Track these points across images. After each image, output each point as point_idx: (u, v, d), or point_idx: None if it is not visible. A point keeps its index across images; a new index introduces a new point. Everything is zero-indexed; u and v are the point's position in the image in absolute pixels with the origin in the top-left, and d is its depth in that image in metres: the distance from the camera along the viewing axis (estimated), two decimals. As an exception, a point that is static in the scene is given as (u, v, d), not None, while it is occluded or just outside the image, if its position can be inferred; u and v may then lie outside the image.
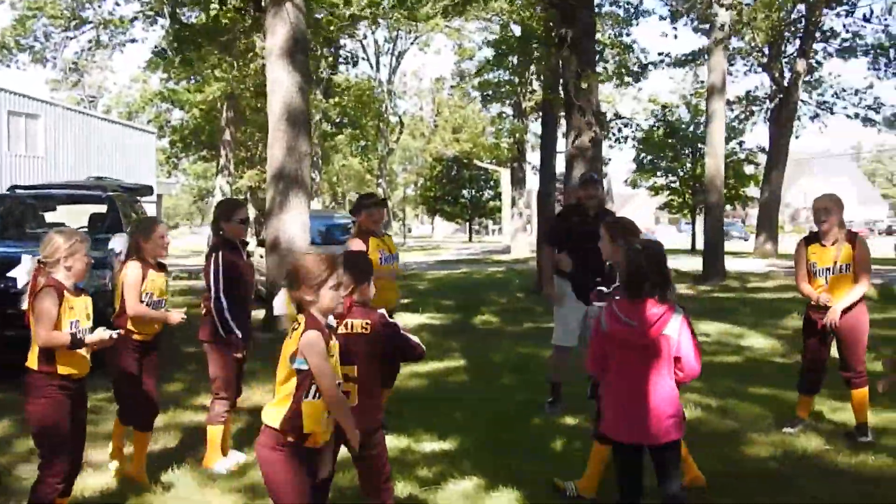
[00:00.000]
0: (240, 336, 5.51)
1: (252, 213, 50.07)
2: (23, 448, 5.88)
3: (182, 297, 16.95)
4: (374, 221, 6.56)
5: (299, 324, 3.35)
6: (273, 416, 3.38)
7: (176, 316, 5.37)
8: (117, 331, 4.49)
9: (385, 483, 3.99)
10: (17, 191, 11.90)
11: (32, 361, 4.20)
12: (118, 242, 5.58)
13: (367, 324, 3.86)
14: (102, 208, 10.88)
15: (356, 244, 6.32)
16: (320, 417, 3.38)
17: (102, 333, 4.28)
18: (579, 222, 7.03)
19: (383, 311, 3.99)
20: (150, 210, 15.04)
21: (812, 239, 6.20)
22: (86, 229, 10.82)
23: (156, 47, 25.79)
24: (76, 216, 11.56)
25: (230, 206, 5.94)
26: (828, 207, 6.01)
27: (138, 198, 12.89)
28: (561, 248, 7.06)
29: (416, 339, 4.01)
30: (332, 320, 3.79)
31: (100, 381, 8.01)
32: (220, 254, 5.53)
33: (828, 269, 6.03)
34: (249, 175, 36.82)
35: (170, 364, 9.33)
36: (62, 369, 4.19)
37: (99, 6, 24.47)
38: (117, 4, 24.47)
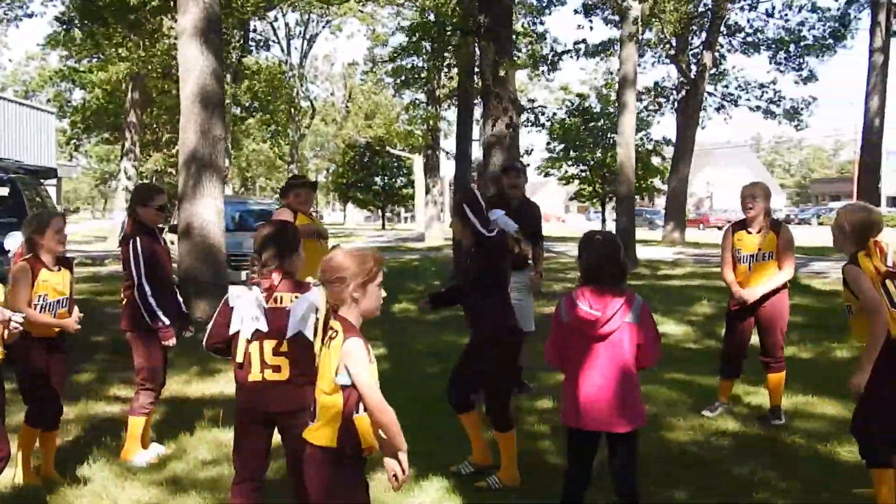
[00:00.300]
0: (167, 323, 5.32)
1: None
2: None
3: (87, 284, 16.41)
4: (301, 202, 6.42)
5: (336, 331, 3.07)
6: (325, 436, 3.11)
7: (72, 324, 5.04)
8: (20, 313, 4.16)
9: None
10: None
11: None
12: (11, 242, 5.10)
13: (297, 297, 3.70)
14: (4, 191, 10.41)
15: (284, 214, 6.20)
16: (375, 430, 3.13)
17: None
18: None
19: (316, 284, 3.75)
20: (52, 193, 14.45)
21: (739, 226, 6.36)
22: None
23: (58, 18, 24.76)
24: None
25: (148, 192, 5.66)
26: (755, 195, 6.18)
27: (41, 180, 12.38)
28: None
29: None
30: (260, 294, 3.70)
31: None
32: (139, 240, 5.32)
33: (752, 256, 6.22)
34: (156, 158, 35.81)
35: (79, 354, 9.02)
36: None
37: (-5, -21, 23.37)
38: (15, -22, 23.24)
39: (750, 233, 6.23)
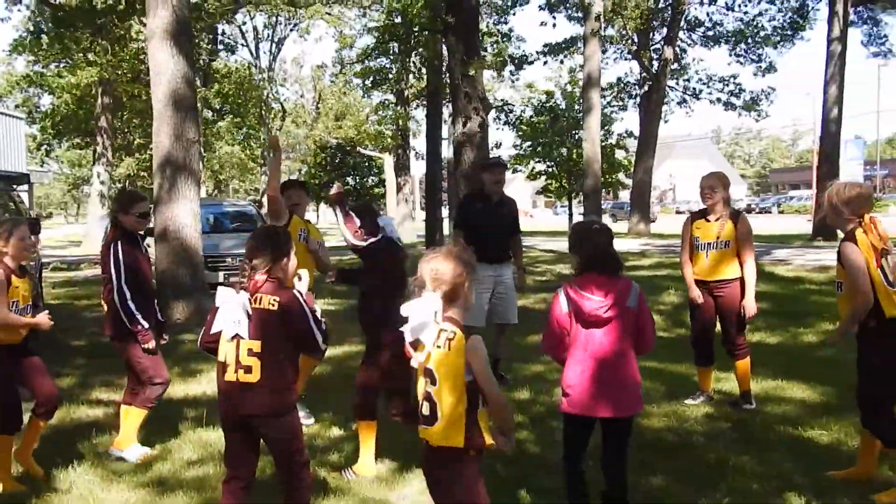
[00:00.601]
0: (146, 326, 5.27)
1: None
2: None
3: (63, 288, 16.19)
4: (293, 204, 6.34)
5: (453, 332, 3.10)
6: (453, 436, 3.10)
7: (44, 320, 4.95)
8: None
9: (301, 469, 3.80)
10: None
11: None
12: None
13: (274, 300, 3.66)
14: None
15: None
16: (488, 424, 3.18)
17: None
18: (482, 208, 7.16)
19: (298, 292, 3.78)
20: (24, 198, 14.23)
21: (698, 215, 6.44)
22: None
23: (26, 30, 24.49)
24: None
25: (129, 199, 5.60)
26: (713, 185, 6.26)
27: (13, 186, 12.20)
28: (466, 232, 7.12)
29: (318, 334, 3.74)
30: (247, 299, 3.68)
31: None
32: (119, 244, 5.29)
33: (710, 244, 6.28)
34: (128, 163, 35.44)
35: (57, 360, 8.91)
36: None
37: (-41, -15, 23.00)
38: (-21, -17, 22.82)
39: (709, 221, 6.29)
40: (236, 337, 3.66)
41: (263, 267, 3.73)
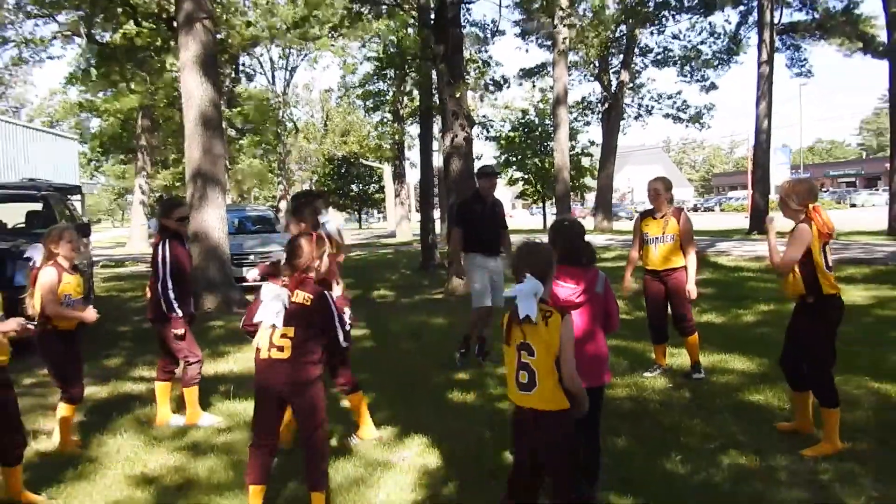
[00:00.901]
0: (180, 315, 5.27)
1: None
2: None
3: (112, 282, 16.11)
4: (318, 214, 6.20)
5: (550, 311, 3.10)
6: (558, 401, 3.11)
7: (91, 314, 4.90)
8: (32, 322, 4.04)
9: (322, 435, 3.78)
10: (-42, 192, 10.96)
11: None
12: (34, 252, 4.90)
13: (308, 297, 3.69)
14: (38, 206, 10.17)
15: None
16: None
17: (14, 323, 3.92)
18: (481, 210, 7.16)
19: (329, 294, 3.78)
20: (78, 207, 14.16)
21: (647, 213, 6.43)
22: (23, 225, 10.09)
23: (78, 66, 24.43)
24: (13, 214, 10.74)
25: (170, 205, 5.67)
26: (657, 188, 6.27)
27: (68, 196, 12.11)
28: (466, 229, 7.13)
29: (341, 333, 3.74)
30: (286, 295, 3.67)
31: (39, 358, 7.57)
32: (166, 243, 5.32)
33: (657, 238, 6.28)
34: (164, 175, 35.36)
35: (107, 342, 8.86)
36: None
37: (20, 26, 22.85)
38: (37, 25, 22.71)
39: (655, 218, 6.29)
40: (273, 326, 3.66)
41: (300, 267, 3.74)
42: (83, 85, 28.51)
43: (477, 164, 22.27)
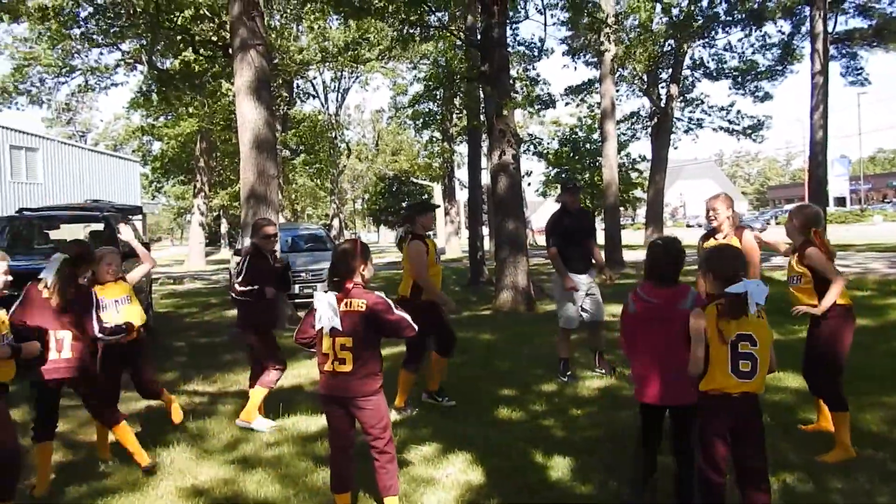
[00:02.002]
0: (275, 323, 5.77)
1: (225, 227, 49.17)
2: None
3: (170, 299, 16.53)
4: (430, 224, 6.27)
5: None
6: (763, 385, 3.47)
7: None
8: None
9: (387, 443, 3.82)
10: (25, 213, 11.44)
11: None
12: (47, 272, 4.54)
13: (362, 303, 3.75)
14: (100, 226, 10.54)
15: (418, 246, 6.04)
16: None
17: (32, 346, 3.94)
18: (570, 222, 7.21)
19: (380, 293, 3.83)
20: (139, 226, 14.61)
21: (709, 234, 6.06)
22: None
23: (139, 91, 25.35)
24: (76, 233, 11.14)
25: (258, 225, 6.08)
26: (716, 207, 5.89)
27: (130, 217, 12.50)
28: (561, 244, 7.16)
29: (409, 320, 3.80)
30: (333, 298, 3.74)
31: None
32: (249, 257, 5.76)
33: None
34: (221, 195, 36.23)
35: (162, 357, 9.08)
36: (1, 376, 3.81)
37: (86, 55, 23.80)
38: (102, 54, 23.71)
39: (716, 239, 5.95)
40: (334, 332, 3.72)
41: (349, 275, 3.80)
42: (145, 109, 29.57)
43: (525, 181, 22.15)
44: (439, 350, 6.25)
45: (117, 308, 5.02)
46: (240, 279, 5.71)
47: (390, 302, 3.81)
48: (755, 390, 3.40)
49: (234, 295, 5.83)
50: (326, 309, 3.74)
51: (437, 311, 6.10)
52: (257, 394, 5.73)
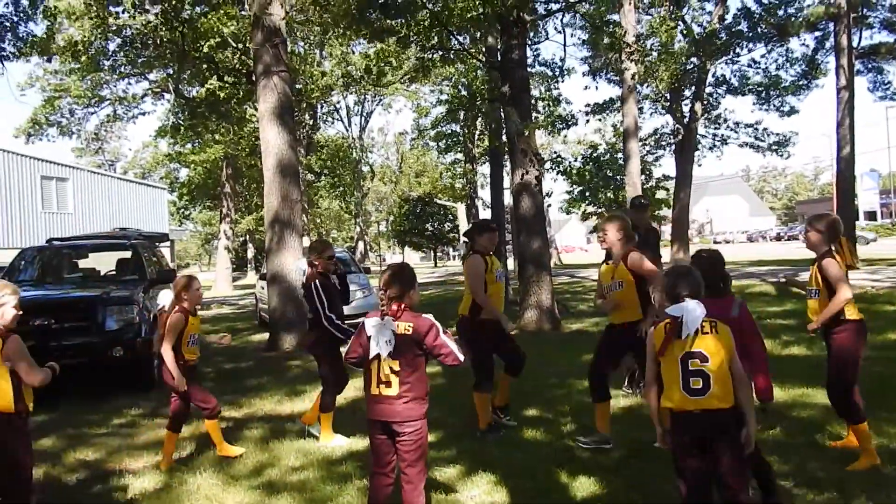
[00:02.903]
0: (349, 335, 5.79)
1: (251, 251, 49.66)
2: (70, 460, 5.73)
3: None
4: (490, 243, 6.21)
5: (715, 322, 3.46)
6: (730, 398, 3.42)
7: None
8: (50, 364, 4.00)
9: (421, 469, 3.78)
10: (54, 242, 11.66)
11: (9, 404, 3.72)
12: (163, 298, 5.69)
13: (409, 326, 3.74)
14: (127, 254, 10.71)
15: (475, 261, 6.03)
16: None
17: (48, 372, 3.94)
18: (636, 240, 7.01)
19: (429, 316, 3.81)
20: (166, 253, 14.81)
21: (606, 259, 5.67)
22: (114, 272, 10.64)
23: (166, 121, 25.92)
24: (105, 262, 11.35)
25: (320, 246, 6.22)
26: (606, 229, 5.47)
27: (157, 244, 12.70)
28: None
29: (454, 348, 3.77)
30: (391, 323, 3.75)
31: (128, 399, 7.87)
32: (317, 282, 5.88)
33: (609, 287, 5.51)
34: (248, 220, 36.66)
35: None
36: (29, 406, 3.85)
37: (114, 86, 24.36)
38: (129, 84, 24.35)
39: (608, 264, 5.56)
40: (378, 356, 3.72)
41: (397, 297, 3.80)
42: (172, 137, 30.14)
43: (547, 200, 22.14)
44: (507, 370, 6.20)
45: None
46: (327, 306, 5.82)
47: (438, 326, 3.78)
48: (717, 406, 3.35)
49: (330, 325, 5.83)
50: (383, 334, 3.72)
51: (500, 329, 5.99)
52: (326, 419, 5.94)
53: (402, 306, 3.79)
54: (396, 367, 3.71)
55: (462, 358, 3.81)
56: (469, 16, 13.35)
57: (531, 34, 14.66)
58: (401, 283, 3.83)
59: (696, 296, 3.47)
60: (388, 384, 3.72)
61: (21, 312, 3.89)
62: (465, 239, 6.64)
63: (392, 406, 3.72)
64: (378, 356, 3.73)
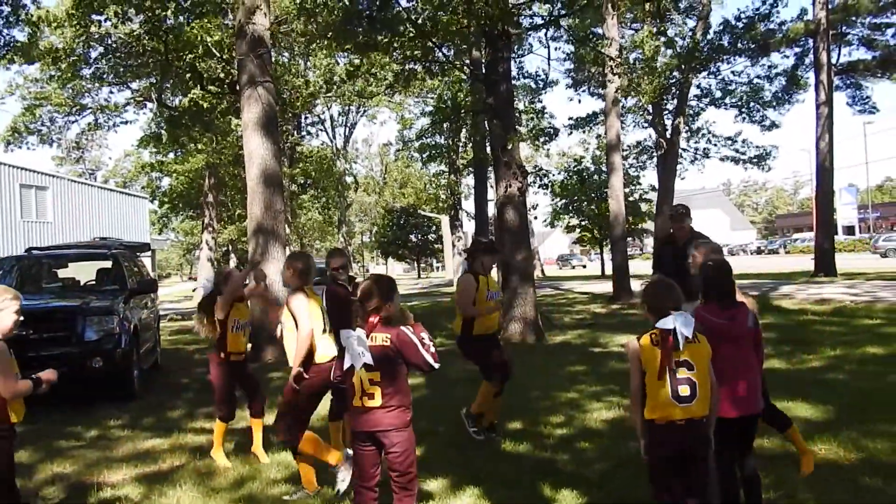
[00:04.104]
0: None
1: (234, 262, 49.33)
2: (47, 473, 5.64)
3: (178, 335, 16.55)
4: (491, 265, 6.40)
5: (698, 336, 3.55)
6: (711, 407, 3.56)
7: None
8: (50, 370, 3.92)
9: (411, 478, 3.79)
10: (34, 252, 11.52)
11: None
12: (204, 287, 5.91)
13: (387, 338, 3.75)
14: (108, 264, 10.60)
15: (467, 280, 6.16)
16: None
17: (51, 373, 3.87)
18: (672, 251, 6.91)
19: (405, 328, 3.79)
20: (147, 263, 14.69)
21: None
22: (94, 282, 10.53)
23: (148, 131, 25.73)
24: (86, 272, 11.23)
25: (335, 255, 6.29)
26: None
27: (138, 254, 12.58)
28: (666, 274, 7.05)
29: (429, 357, 3.75)
30: (363, 334, 3.76)
31: (107, 411, 7.77)
32: (329, 288, 5.92)
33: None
34: (230, 230, 36.40)
35: (170, 393, 9.09)
36: (13, 417, 3.70)
37: (96, 94, 24.19)
38: (111, 92, 24.16)
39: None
40: (362, 368, 3.72)
41: (374, 309, 3.80)
42: (154, 146, 29.94)
43: (532, 213, 22.29)
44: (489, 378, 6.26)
45: None
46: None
47: (413, 337, 3.77)
48: (699, 414, 3.47)
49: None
50: (355, 346, 3.74)
51: (497, 345, 6.25)
52: (332, 431, 5.88)
53: (379, 318, 3.80)
54: (377, 379, 3.72)
55: (434, 364, 3.81)
56: (454, 29, 13.40)
57: (515, 47, 14.73)
58: (378, 295, 3.82)
59: (679, 308, 3.55)
60: (371, 396, 3.73)
61: (22, 319, 3.82)
62: (465, 255, 6.78)
63: (377, 416, 3.74)
64: (357, 368, 3.74)
